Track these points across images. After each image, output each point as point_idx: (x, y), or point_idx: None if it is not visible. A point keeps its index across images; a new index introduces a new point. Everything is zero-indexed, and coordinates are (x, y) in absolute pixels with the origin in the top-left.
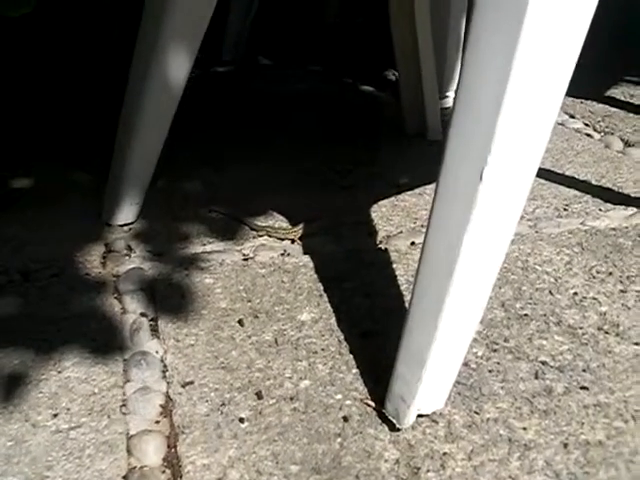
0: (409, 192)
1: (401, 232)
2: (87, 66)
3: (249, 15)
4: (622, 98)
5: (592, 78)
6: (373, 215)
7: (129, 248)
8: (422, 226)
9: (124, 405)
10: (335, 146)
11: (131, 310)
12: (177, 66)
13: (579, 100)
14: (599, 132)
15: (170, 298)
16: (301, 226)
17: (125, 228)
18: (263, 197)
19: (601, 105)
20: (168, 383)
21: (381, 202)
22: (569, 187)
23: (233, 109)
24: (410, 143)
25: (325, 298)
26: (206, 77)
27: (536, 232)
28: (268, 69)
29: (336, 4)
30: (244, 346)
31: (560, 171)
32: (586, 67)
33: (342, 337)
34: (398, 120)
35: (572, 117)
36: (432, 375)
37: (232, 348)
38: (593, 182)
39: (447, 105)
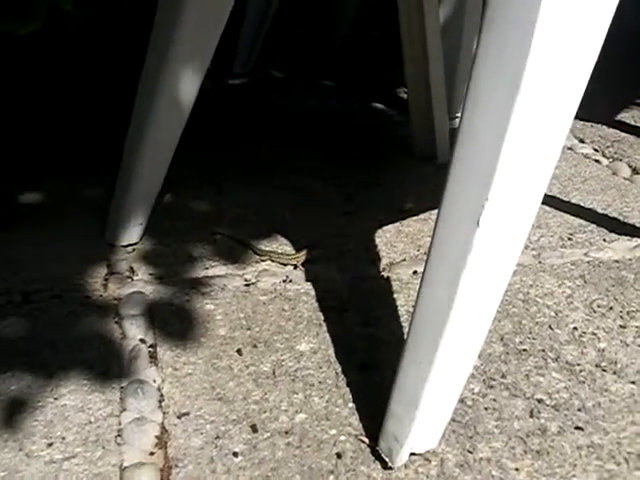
0: (414, 217)
1: (404, 260)
2: (96, 79)
3: (263, 28)
4: (632, 122)
5: (603, 101)
6: (377, 241)
7: (132, 270)
8: (425, 254)
9: (119, 435)
10: (342, 166)
11: (131, 336)
12: (188, 81)
13: (589, 124)
14: (608, 158)
15: (170, 324)
16: (304, 252)
17: (128, 249)
18: (267, 219)
19: (611, 130)
20: (164, 413)
21: (386, 227)
22: (575, 215)
23: (241, 124)
24: (418, 166)
25: (325, 328)
26: (216, 90)
27: (539, 262)
28: (279, 83)
29: (347, 23)
30: (241, 377)
31: (566, 198)
32: (597, 89)
33: (340, 369)
34: (408, 141)
35: (582, 142)
36: (426, 415)
37: (229, 378)
38: (599, 210)
39: (456, 127)
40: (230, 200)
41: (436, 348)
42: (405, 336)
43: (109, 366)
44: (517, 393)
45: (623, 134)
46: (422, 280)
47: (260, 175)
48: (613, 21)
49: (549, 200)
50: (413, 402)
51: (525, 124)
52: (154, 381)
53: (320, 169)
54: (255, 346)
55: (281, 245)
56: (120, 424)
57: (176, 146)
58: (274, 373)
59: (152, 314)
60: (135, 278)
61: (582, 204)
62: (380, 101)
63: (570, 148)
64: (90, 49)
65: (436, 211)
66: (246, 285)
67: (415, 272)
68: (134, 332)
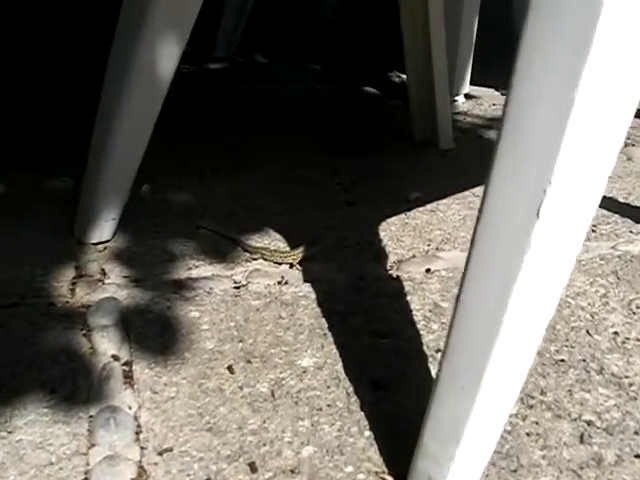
0: (420, 208)
1: (414, 256)
2: (62, 66)
3: (244, 10)
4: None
5: None
6: (382, 235)
7: (103, 272)
8: (437, 249)
9: (87, 479)
10: (337, 154)
11: (101, 351)
12: (164, 56)
13: None
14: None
15: (148, 337)
16: (301, 249)
17: (99, 247)
18: (257, 212)
19: None
20: (142, 449)
21: (390, 219)
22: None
23: (223, 110)
24: (419, 152)
25: (330, 338)
26: (196, 74)
27: None
28: (263, 67)
29: (331, 8)
30: (235, 400)
31: None
32: None
33: (351, 388)
34: (405, 126)
35: None
36: (467, 452)
37: (220, 403)
38: (620, 199)
39: (457, 110)
40: (214, 191)
41: (483, 370)
42: (424, 346)
43: (75, 390)
44: (561, 413)
45: (635, 118)
46: (462, 287)
47: (246, 163)
48: None
49: None
50: (453, 438)
51: (595, 90)
52: (129, 408)
53: (313, 156)
54: (249, 362)
55: (274, 241)
56: (88, 464)
57: (152, 130)
58: (273, 395)
59: (127, 324)
60: (107, 281)
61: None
62: (370, 85)
63: None
64: (56, 34)
65: (444, 201)
66: (236, 288)
67: (428, 270)
68: (105, 347)
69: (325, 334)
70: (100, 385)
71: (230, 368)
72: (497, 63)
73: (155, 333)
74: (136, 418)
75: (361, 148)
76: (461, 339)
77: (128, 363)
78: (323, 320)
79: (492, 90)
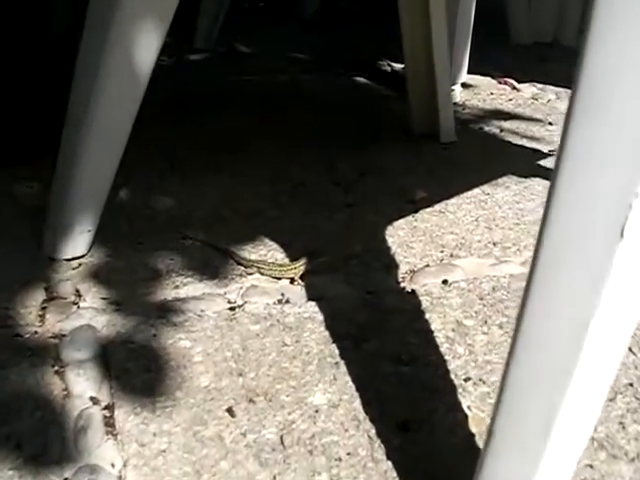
0: (428, 209)
1: (427, 265)
2: (25, 60)
3: (225, 0)
4: None
5: None
6: (389, 241)
7: (77, 294)
8: (451, 256)
9: None
10: (331, 150)
11: (77, 393)
12: (142, 48)
13: None
14: None
15: (131, 373)
16: (303, 261)
17: (73, 264)
18: (249, 217)
19: None
20: None
21: (397, 223)
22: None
23: (206, 104)
24: (420, 146)
25: (342, 368)
26: (175, 66)
27: None
28: (246, 58)
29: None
30: (238, 451)
31: None
32: None
33: (373, 431)
34: (401, 117)
35: None
36: None
37: (221, 456)
38: None
39: (455, 100)
40: (200, 193)
41: (553, 418)
42: (451, 375)
43: (46, 445)
44: (617, 452)
45: None
46: (523, 318)
47: (233, 161)
48: None
49: None
50: None
51: None
52: (112, 466)
53: (307, 153)
54: (252, 401)
55: (271, 251)
56: None
57: (131, 127)
58: (283, 442)
59: (106, 358)
60: (82, 305)
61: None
62: (360, 75)
63: None
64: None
65: (453, 201)
66: (230, 309)
67: (445, 282)
68: (82, 387)
69: (337, 363)
70: (76, 438)
71: (230, 410)
72: (492, 50)
73: (140, 368)
74: (121, 479)
75: (357, 142)
76: (524, 379)
77: (109, 407)
78: (333, 346)
79: (488, 78)
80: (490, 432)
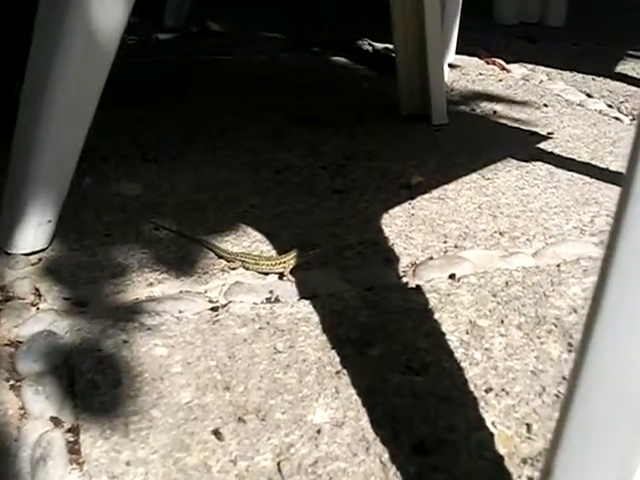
0: (426, 196)
1: (431, 258)
2: None
3: None
4: (635, 75)
5: (597, 53)
6: (386, 231)
7: (37, 293)
8: (456, 247)
9: None
10: (315, 131)
11: (36, 412)
12: (106, 20)
13: (590, 76)
14: (626, 115)
15: (99, 387)
16: (293, 253)
17: (32, 259)
18: (228, 204)
19: (617, 83)
20: None
21: (392, 211)
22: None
23: (178, 86)
24: (410, 128)
25: (345, 378)
26: (143, 45)
27: None
28: (219, 36)
29: None
30: None
31: (603, 165)
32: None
33: (386, 455)
34: (385, 98)
35: (589, 96)
36: None
37: None
38: None
39: None
40: (174, 179)
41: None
42: (470, 385)
43: None
44: None
45: (633, 88)
46: (588, 342)
47: (210, 145)
48: None
49: (582, 167)
50: None
51: None
52: None
53: (288, 135)
54: (242, 420)
55: (255, 243)
56: None
57: (96, 106)
58: (280, 471)
59: (70, 370)
60: (42, 306)
61: (624, 171)
62: (340, 55)
63: (580, 104)
64: None
65: (451, 187)
66: (213, 310)
67: (453, 276)
68: (41, 406)
69: (338, 372)
70: (34, 469)
71: (217, 432)
72: (479, 29)
73: (109, 382)
74: None
75: (341, 123)
76: (593, 418)
77: (73, 430)
78: (333, 353)
79: (475, 59)
80: (547, 471)
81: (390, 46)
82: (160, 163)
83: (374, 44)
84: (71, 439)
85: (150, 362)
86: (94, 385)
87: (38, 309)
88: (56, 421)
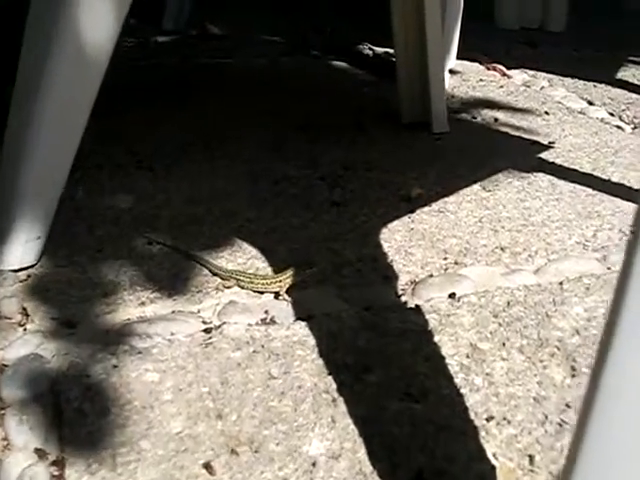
0: (425, 209)
1: (431, 275)
2: None
3: None
4: (636, 82)
5: (598, 59)
6: (385, 247)
7: (24, 313)
8: (456, 263)
9: None
10: (314, 140)
11: (20, 444)
12: (99, 23)
13: (591, 83)
14: (628, 123)
15: (86, 417)
16: (290, 272)
17: (20, 275)
18: (224, 218)
19: (618, 90)
20: None
21: (391, 225)
22: (625, 199)
23: (176, 91)
24: (410, 136)
25: (342, 407)
26: (141, 48)
27: (609, 269)
28: (219, 40)
29: None
30: None
31: (605, 176)
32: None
33: None
34: (386, 105)
35: (591, 104)
36: None
37: None
38: None
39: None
40: (168, 191)
41: None
42: (470, 413)
43: None
44: None
45: (634, 95)
46: (603, 363)
47: (207, 155)
48: None
49: (584, 178)
50: None
51: None
52: None
53: (287, 143)
54: (234, 452)
55: (250, 259)
56: None
57: (88, 117)
58: None
59: (56, 398)
60: (30, 327)
61: (626, 183)
62: (340, 59)
63: (582, 112)
64: None
65: (452, 199)
66: (206, 331)
67: (453, 295)
68: (26, 437)
69: (334, 400)
70: None
71: (208, 466)
72: (479, 33)
73: (96, 411)
74: None
75: (341, 131)
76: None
77: (58, 463)
78: (330, 379)
79: (476, 64)
80: None
81: (390, 50)
82: (155, 172)
83: (374, 48)
84: (55, 473)
85: (140, 389)
86: (81, 414)
87: (25, 330)
88: (40, 453)
